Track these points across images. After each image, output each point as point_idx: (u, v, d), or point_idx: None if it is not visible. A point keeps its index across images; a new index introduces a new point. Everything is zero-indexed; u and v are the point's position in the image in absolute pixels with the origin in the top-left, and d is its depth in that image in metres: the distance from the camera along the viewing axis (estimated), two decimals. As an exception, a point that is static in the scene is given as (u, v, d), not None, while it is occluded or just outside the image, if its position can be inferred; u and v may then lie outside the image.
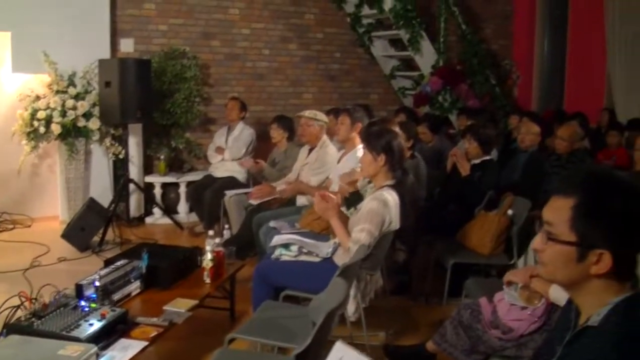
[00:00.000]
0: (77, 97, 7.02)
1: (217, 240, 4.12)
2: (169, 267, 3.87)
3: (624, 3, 8.30)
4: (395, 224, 3.74)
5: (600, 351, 1.53)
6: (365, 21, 8.86)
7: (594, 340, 1.58)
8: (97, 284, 3.34)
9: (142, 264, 3.76)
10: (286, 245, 4.05)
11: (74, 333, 2.86)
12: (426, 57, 8.31)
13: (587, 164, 1.72)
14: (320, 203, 3.77)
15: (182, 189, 7.62)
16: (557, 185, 1.71)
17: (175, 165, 8.01)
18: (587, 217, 1.60)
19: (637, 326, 1.54)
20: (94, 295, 3.32)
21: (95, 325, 2.95)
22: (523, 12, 10.36)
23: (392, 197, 3.68)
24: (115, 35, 7.63)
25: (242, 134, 7.16)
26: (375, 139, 3.77)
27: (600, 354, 1.53)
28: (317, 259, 3.94)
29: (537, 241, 1.71)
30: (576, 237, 1.61)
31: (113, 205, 6.73)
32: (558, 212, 1.65)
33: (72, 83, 7.10)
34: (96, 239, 6.28)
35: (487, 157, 5.29)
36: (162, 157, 7.67)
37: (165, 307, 3.44)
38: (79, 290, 3.34)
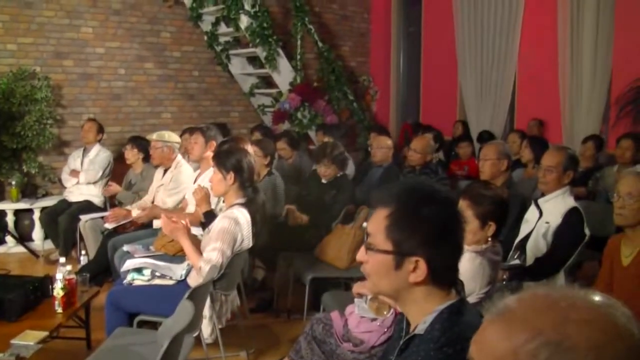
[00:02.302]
0: None
1: (69, 267, 3.97)
2: (17, 299, 3.69)
3: (471, 19, 8.72)
4: (248, 242, 3.76)
5: (425, 358, 1.59)
6: (222, 39, 8.84)
7: (419, 347, 1.64)
8: None
9: (-13, 297, 3.58)
10: (139, 270, 3.97)
11: None
12: (284, 74, 8.39)
13: (403, 180, 1.81)
14: (168, 224, 3.73)
15: (37, 215, 7.28)
16: (376, 197, 1.78)
17: (29, 190, 7.65)
18: (400, 224, 1.67)
19: (458, 330, 1.61)
20: None
21: None
22: (379, 30, 10.70)
23: (243, 215, 3.70)
24: (-42, 56, 7.25)
25: (99, 156, 6.96)
26: (224, 157, 3.78)
27: None
28: (171, 282, 3.89)
29: (360, 253, 1.76)
30: (392, 245, 1.67)
31: (-40, 236, 6.38)
32: (375, 222, 1.71)
33: None
34: (-59, 273, 5.92)
35: (339, 174, 5.38)
36: (13, 182, 7.32)
37: (12, 341, 3.28)
38: None
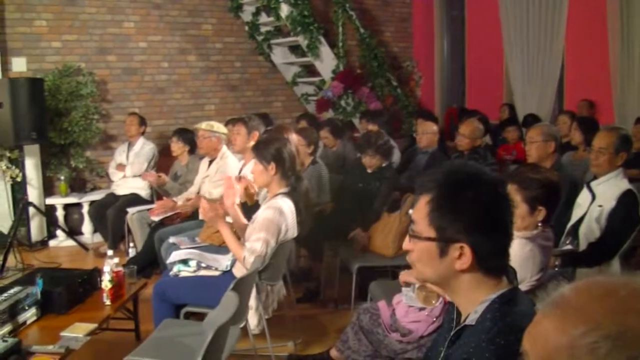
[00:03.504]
0: (-33, 120, 6.74)
1: (116, 260, 4.00)
2: (65, 291, 3.73)
3: (517, 0, 8.55)
4: (293, 232, 3.73)
5: (475, 349, 1.53)
6: (263, 29, 8.84)
7: (470, 338, 1.58)
8: (-15, 315, 3.20)
9: (37, 290, 3.62)
10: (185, 261, 3.98)
11: (-40, 369, 2.73)
12: (326, 62, 8.34)
13: (446, 164, 1.76)
14: (207, 211, 3.72)
15: (85, 209, 7.40)
16: (418, 183, 1.72)
17: (77, 185, 7.79)
18: (441, 210, 1.61)
19: (510, 321, 1.54)
20: (-17, 327, 3.18)
21: (-16, 358, 2.82)
22: (421, 14, 10.58)
23: (287, 205, 3.67)
24: (5, 55, 7.36)
25: (143, 149, 7.03)
26: (264, 148, 3.75)
27: (475, 351, 1.53)
28: (216, 273, 3.89)
29: (406, 242, 1.71)
30: (435, 232, 1.62)
31: (13, 231, 6.48)
32: (418, 210, 1.66)
33: (-39, 106, 6.80)
34: (-4, 266, 6.04)
35: (385, 164, 5.31)
36: (62, 177, 7.44)
37: (62, 333, 3.31)
38: (-32, 322, 3.19)
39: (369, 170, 5.27)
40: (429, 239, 1.62)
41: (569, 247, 3.78)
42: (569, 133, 6.37)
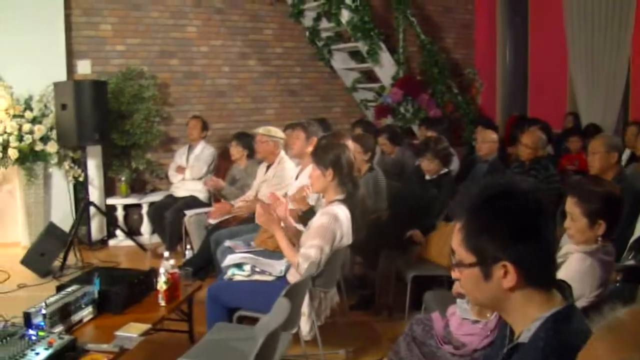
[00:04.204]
0: (34, 120, 6.92)
1: (172, 261, 4.03)
2: (122, 291, 3.78)
3: (581, 7, 8.37)
4: (348, 239, 3.70)
5: None
6: (323, 34, 8.86)
7: (523, 357, 1.54)
8: (44, 311, 3.26)
9: (94, 289, 3.67)
10: (239, 265, 3.99)
11: (19, 363, 2.78)
12: (386, 68, 8.30)
13: (475, 186, 1.68)
14: (262, 215, 3.71)
15: (145, 210, 7.52)
16: (451, 212, 1.69)
17: (137, 186, 7.93)
18: (474, 233, 1.58)
19: (564, 339, 1.49)
20: (42, 324, 3.23)
21: (42, 354, 2.86)
22: (483, 21, 10.45)
23: (342, 212, 3.64)
24: (71, 57, 7.54)
25: (203, 153, 7.11)
26: (322, 153, 3.73)
27: None
28: (270, 278, 3.89)
29: (454, 272, 1.68)
30: (474, 256, 1.58)
31: (74, 229, 6.62)
32: (454, 237, 1.64)
33: (28, 107, 6.98)
34: (57, 263, 6.17)
35: (444, 171, 5.23)
36: (123, 178, 7.60)
37: (117, 333, 3.35)
38: (27, 318, 3.23)
39: (428, 177, 5.20)
40: (470, 265, 1.59)
41: (631, 262, 3.66)
42: (635, 144, 6.18)
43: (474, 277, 1.59)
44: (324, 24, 8.72)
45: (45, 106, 7.06)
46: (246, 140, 6.66)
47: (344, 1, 7.87)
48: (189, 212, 6.35)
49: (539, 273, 1.58)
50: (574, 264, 2.84)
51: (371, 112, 8.93)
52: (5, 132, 6.76)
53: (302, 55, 9.06)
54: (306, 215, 4.16)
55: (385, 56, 8.26)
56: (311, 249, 3.50)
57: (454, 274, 1.67)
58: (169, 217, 6.57)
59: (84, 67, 7.65)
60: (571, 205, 2.91)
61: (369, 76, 9.07)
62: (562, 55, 8.77)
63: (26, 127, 6.83)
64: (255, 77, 8.74)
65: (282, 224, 3.82)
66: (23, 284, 5.74)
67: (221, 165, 7.27)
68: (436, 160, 5.16)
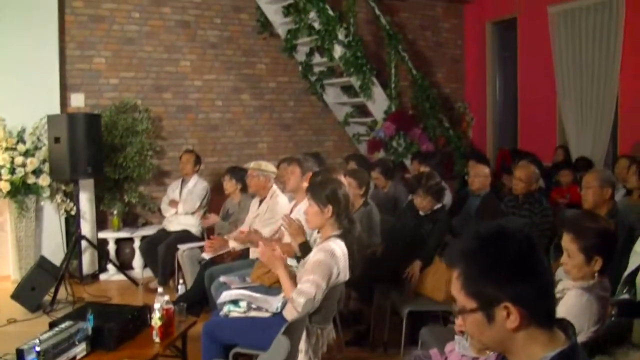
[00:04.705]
0: (26, 153, 6.91)
1: (167, 297, 4.01)
2: (116, 328, 3.75)
3: (569, 42, 8.49)
4: (344, 275, 3.69)
5: None
6: (316, 69, 8.92)
7: None
8: (38, 348, 3.23)
9: (88, 325, 3.64)
10: (235, 301, 3.96)
11: (10, 403, 2.75)
12: (378, 103, 8.34)
13: (467, 231, 1.68)
14: (266, 252, 3.71)
15: (137, 244, 7.48)
16: (446, 259, 1.72)
17: (129, 220, 7.91)
18: (471, 278, 1.60)
19: None
20: (36, 360, 3.20)
21: (35, 393, 2.84)
22: (473, 55, 10.57)
23: (339, 248, 3.64)
24: (65, 90, 7.58)
25: (197, 187, 7.11)
26: (319, 190, 3.73)
27: None
28: (267, 314, 3.86)
29: (457, 319, 1.71)
30: (474, 301, 1.60)
31: (65, 263, 6.57)
32: (453, 285, 1.66)
33: (21, 139, 6.98)
34: (48, 298, 6.12)
35: (438, 206, 5.24)
36: (115, 212, 7.57)
37: (111, 370, 3.33)
38: (20, 355, 3.21)
39: (422, 213, 5.21)
40: (472, 310, 1.60)
41: (626, 296, 3.66)
42: (627, 177, 6.22)
43: (478, 322, 1.60)
44: (317, 58, 8.79)
45: (38, 139, 7.07)
46: (239, 174, 6.65)
47: (336, 37, 7.92)
48: (182, 247, 6.34)
49: (541, 310, 1.59)
50: (572, 300, 2.85)
51: (363, 146, 8.96)
52: (-3, 165, 6.75)
53: (295, 90, 9.12)
54: (301, 250, 4.15)
55: (377, 91, 8.31)
56: (307, 284, 3.49)
57: (459, 322, 1.69)
58: (162, 251, 6.55)
59: (77, 100, 7.67)
60: (567, 241, 2.94)
61: (362, 110, 9.12)
62: (550, 88, 8.87)
63: (18, 159, 6.82)
64: (249, 111, 8.79)
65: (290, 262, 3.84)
66: (13, 318, 5.68)
67: (214, 199, 7.26)
68: (428, 196, 5.16)
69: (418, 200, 5.19)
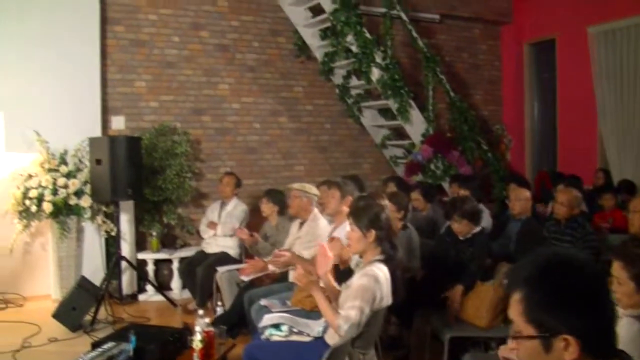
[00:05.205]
0: (68, 175, 7.02)
1: (207, 319, 4.02)
2: (157, 349, 3.79)
3: (610, 63, 8.41)
4: (387, 300, 3.66)
5: None
6: (353, 92, 8.96)
7: None
8: (83, 369, 3.26)
9: (130, 347, 3.67)
10: (276, 325, 3.96)
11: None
12: (416, 125, 8.32)
13: (533, 254, 1.62)
14: (303, 277, 3.70)
15: (175, 265, 7.55)
16: (507, 281, 1.69)
17: (168, 241, 7.97)
18: (535, 306, 1.57)
19: None
20: (79, 382, 3.24)
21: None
22: (510, 77, 10.53)
23: (382, 273, 3.61)
24: (106, 113, 7.70)
25: (236, 209, 7.14)
26: (362, 214, 3.71)
27: None
28: (308, 339, 3.85)
29: (510, 344, 1.68)
30: (534, 328, 1.57)
31: (105, 284, 6.62)
32: (512, 308, 1.64)
33: (63, 161, 7.10)
34: (88, 317, 6.16)
35: (477, 230, 5.19)
36: (154, 233, 7.63)
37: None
38: (63, 376, 3.26)
39: (461, 237, 5.16)
40: (530, 337, 1.58)
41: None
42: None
43: (534, 350, 1.58)
44: (354, 81, 8.83)
45: (80, 161, 7.18)
46: (277, 196, 6.67)
47: (374, 59, 7.94)
48: (220, 269, 6.34)
49: (601, 344, 1.57)
50: (623, 328, 2.79)
51: (400, 169, 8.94)
52: (40, 186, 6.87)
53: (332, 112, 9.17)
54: (342, 274, 4.14)
55: (415, 113, 8.29)
56: (352, 310, 3.46)
57: (511, 345, 1.66)
58: (201, 273, 6.57)
59: (118, 123, 7.79)
60: (617, 269, 2.88)
61: (399, 133, 9.11)
62: (591, 110, 8.80)
63: (61, 181, 6.93)
64: (286, 134, 8.85)
65: (321, 283, 3.81)
66: (54, 337, 5.73)
67: (252, 221, 7.28)
68: (464, 220, 5.11)
69: (455, 225, 5.14)
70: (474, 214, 5.16)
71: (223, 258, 6.77)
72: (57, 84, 7.16)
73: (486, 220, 6.26)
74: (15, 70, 7.01)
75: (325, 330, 3.82)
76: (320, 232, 5.43)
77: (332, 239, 4.43)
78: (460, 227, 5.11)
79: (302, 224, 5.77)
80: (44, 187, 6.87)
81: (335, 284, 3.84)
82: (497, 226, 6.39)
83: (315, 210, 5.69)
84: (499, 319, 4.63)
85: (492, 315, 4.58)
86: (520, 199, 5.95)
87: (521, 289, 1.60)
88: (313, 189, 5.78)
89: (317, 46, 8.68)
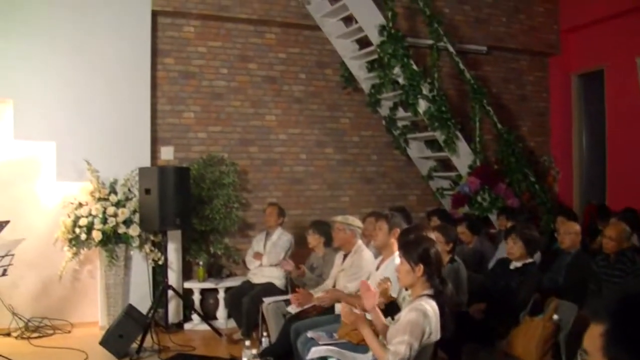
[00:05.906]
0: (117, 204, 7.14)
1: (254, 351, 4.04)
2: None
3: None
4: (436, 335, 3.63)
5: None
6: (400, 123, 8.95)
7: None
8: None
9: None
10: (324, 358, 3.96)
11: None
12: (463, 157, 8.28)
13: (622, 286, 1.53)
14: (349, 315, 3.69)
15: (221, 295, 7.58)
16: (589, 310, 1.64)
17: (214, 270, 8.03)
18: (618, 344, 1.49)
19: None
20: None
21: None
22: (558, 108, 10.43)
23: (431, 307, 3.58)
24: (155, 144, 7.83)
25: (281, 239, 7.16)
26: (412, 248, 3.70)
27: None
28: (356, 372, 3.83)
29: None
30: None
31: (152, 312, 6.69)
32: (591, 340, 1.55)
33: (113, 190, 7.24)
34: (134, 345, 6.22)
35: (529, 260, 5.13)
36: (200, 262, 7.69)
37: None
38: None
39: (512, 267, 5.10)
40: None
41: None
42: None
43: None
44: (401, 113, 8.82)
45: (129, 190, 7.30)
46: (323, 227, 6.67)
47: (421, 91, 7.95)
48: (267, 300, 6.35)
49: None
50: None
51: (447, 201, 8.87)
52: (90, 215, 7.00)
53: (378, 144, 9.18)
54: (389, 308, 4.11)
55: (462, 145, 8.25)
56: (400, 345, 3.43)
57: None
58: (247, 303, 6.58)
59: (166, 153, 7.91)
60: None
61: (445, 164, 9.07)
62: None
63: (110, 210, 7.05)
64: (332, 165, 8.88)
65: (369, 316, 3.79)
66: (101, 364, 5.81)
67: (297, 251, 7.29)
68: (520, 242, 5.06)
69: (510, 244, 5.10)
70: (531, 240, 5.12)
71: (269, 288, 6.78)
72: (108, 115, 7.33)
73: (536, 256, 6.18)
74: (67, 101, 7.20)
75: (372, 364, 3.80)
76: (365, 264, 5.43)
77: (385, 280, 4.42)
78: (514, 248, 5.08)
79: (345, 255, 5.77)
80: (94, 216, 7.00)
81: (383, 318, 3.82)
82: (545, 259, 6.30)
83: (359, 242, 5.69)
84: (548, 354, 4.54)
85: (541, 351, 4.48)
86: (569, 233, 5.86)
87: (606, 321, 1.54)
88: (356, 221, 5.78)
89: (364, 78, 8.72)
